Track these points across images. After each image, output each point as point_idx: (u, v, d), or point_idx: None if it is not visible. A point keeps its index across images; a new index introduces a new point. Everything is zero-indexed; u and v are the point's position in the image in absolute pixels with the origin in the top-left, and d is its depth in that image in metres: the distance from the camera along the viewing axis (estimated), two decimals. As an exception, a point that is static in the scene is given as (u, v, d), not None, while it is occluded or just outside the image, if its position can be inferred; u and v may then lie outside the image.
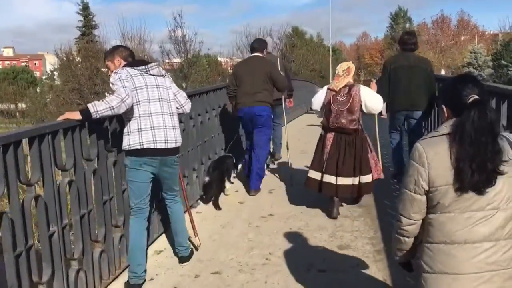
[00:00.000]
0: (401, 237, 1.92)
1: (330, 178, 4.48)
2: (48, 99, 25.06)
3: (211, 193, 4.92)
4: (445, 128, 1.76)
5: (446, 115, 1.82)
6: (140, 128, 3.10)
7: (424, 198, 1.78)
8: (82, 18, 35.48)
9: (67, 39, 28.35)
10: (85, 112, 2.85)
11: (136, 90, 3.09)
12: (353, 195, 4.65)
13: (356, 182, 4.48)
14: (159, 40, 35.01)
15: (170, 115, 3.26)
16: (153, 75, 3.23)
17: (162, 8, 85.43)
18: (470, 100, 1.72)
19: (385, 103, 5.22)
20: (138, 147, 3.09)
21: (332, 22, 53.75)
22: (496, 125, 1.71)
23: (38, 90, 30.81)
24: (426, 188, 1.76)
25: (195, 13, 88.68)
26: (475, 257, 1.72)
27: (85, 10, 35.52)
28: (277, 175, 6.21)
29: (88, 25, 35.07)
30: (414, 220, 1.83)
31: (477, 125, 1.67)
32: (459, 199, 1.71)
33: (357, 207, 4.86)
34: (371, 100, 4.45)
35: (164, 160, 3.22)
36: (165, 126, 3.19)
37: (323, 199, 4.73)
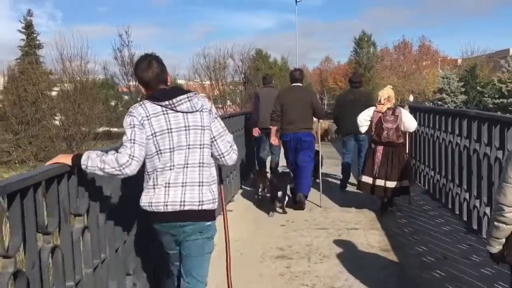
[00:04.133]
0: (501, 224, 2.33)
1: (380, 182, 5.66)
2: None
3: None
4: None
5: None
6: (156, 184, 2.51)
7: None
8: (24, 37, 33.63)
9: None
10: (76, 160, 2.40)
11: (155, 136, 2.47)
12: (399, 195, 5.93)
13: (402, 185, 5.68)
14: (108, 61, 33.42)
15: (200, 167, 2.54)
16: (181, 111, 2.51)
17: (124, 29, 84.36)
18: None
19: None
20: (147, 208, 2.54)
21: (295, 46, 54.03)
22: None
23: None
24: None
25: (160, 35, 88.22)
26: None
27: (28, 28, 33.74)
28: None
29: (31, 45, 33.27)
30: None
31: None
32: None
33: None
34: (408, 121, 5.78)
35: (181, 228, 2.55)
36: (185, 183, 2.51)
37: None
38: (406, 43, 50.99)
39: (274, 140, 6.53)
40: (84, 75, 22.47)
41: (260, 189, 6.61)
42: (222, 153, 2.64)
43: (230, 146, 2.68)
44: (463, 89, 32.90)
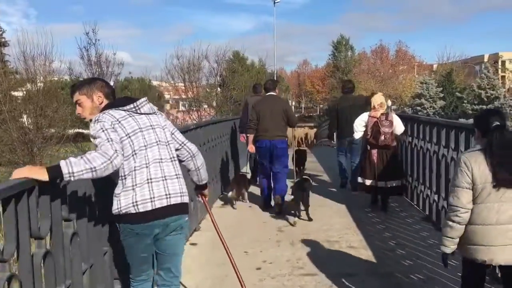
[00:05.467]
0: (455, 224, 2.65)
1: (381, 184, 6.05)
2: None
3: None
4: (479, 145, 2.68)
5: (477, 135, 2.79)
6: (135, 184, 2.49)
7: (471, 192, 2.61)
8: (-11, 34, 31.59)
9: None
10: (55, 172, 2.22)
11: (129, 137, 2.52)
12: (399, 194, 6.42)
13: (400, 184, 6.14)
14: (76, 61, 31.70)
15: (172, 161, 2.68)
16: (144, 113, 2.67)
17: (103, 31, 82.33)
18: (493, 125, 2.62)
19: (335, 133, 7.86)
20: (132, 210, 2.46)
21: (273, 49, 53.42)
22: None
23: None
24: (471, 185, 2.60)
25: (138, 36, 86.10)
26: (503, 234, 2.55)
27: (-7, 25, 31.72)
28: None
29: (-4, 42, 31.21)
30: (467, 208, 2.61)
31: (500, 143, 2.58)
32: (492, 194, 2.56)
33: None
34: (399, 125, 6.14)
35: (167, 224, 2.57)
36: (164, 177, 2.59)
37: None
38: (383, 47, 50.67)
39: (251, 148, 6.70)
40: (49, 75, 20.84)
41: (231, 193, 6.79)
42: (183, 142, 2.82)
43: (186, 139, 2.87)
44: (441, 95, 32.28)
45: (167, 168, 2.61)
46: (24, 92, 20.62)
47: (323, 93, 53.39)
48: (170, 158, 2.66)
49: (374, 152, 6.05)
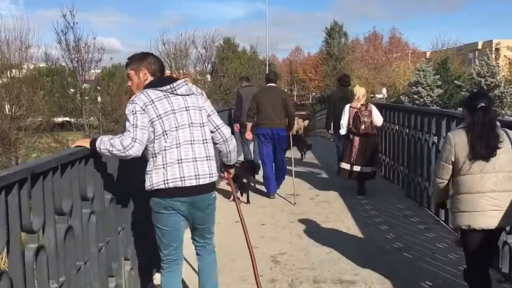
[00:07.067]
0: (436, 190, 3.13)
1: (357, 168, 6.55)
2: None
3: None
4: (465, 123, 2.95)
5: (466, 114, 2.98)
6: (166, 163, 2.63)
7: (450, 166, 2.93)
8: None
9: None
10: (92, 144, 2.60)
11: (161, 118, 2.63)
12: (371, 179, 6.80)
13: (374, 170, 6.73)
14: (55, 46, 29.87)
15: (204, 143, 2.73)
16: (180, 94, 2.73)
17: (92, 16, 79.90)
18: (479, 106, 2.87)
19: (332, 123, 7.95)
20: (162, 186, 2.62)
21: (265, 36, 51.85)
22: (493, 120, 2.87)
23: None
24: (453, 160, 2.90)
25: (127, 23, 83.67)
26: (485, 200, 2.82)
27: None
28: None
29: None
30: (443, 179, 3.00)
31: (482, 121, 2.83)
32: (473, 166, 2.84)
33: None
34: (377, 117, 6.58)
35: (195, 201, 2.70)
36: (195, 158, 2.68)
37: None
38: (376, 34, 49.26)
39: (249, 135, 7.07)
40: (25, 61, 19.22)
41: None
42: (218, 126, 2.86)
43: (222, 122, 2.90)
44: (439, 83, 30.92)
45: (198, 149, 2.68)
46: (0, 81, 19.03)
47: (316, 80, 52.01)
48: (203, 140, 2.72)
49: (357, 139, 6.50)
